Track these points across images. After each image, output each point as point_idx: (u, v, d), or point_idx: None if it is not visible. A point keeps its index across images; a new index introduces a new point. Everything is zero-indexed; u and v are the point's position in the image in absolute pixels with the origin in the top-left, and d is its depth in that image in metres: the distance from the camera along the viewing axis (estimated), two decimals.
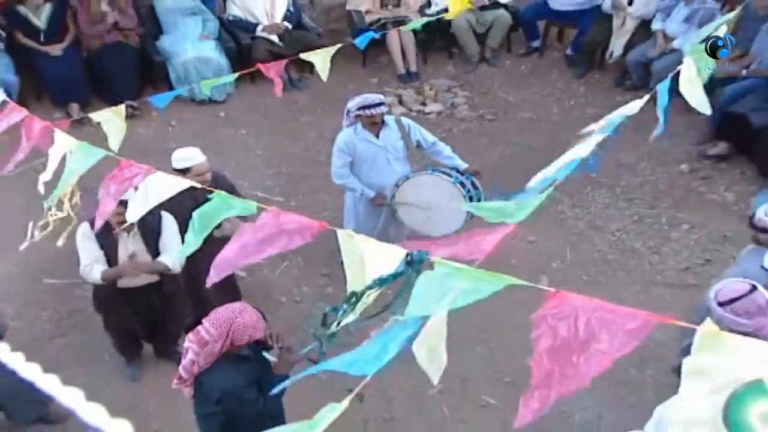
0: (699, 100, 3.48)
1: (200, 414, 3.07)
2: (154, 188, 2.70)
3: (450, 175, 4.48)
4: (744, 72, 6.01)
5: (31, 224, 3.23)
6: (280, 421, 3.00)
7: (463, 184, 4.44)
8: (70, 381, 3.43)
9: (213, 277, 2.40)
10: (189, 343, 2.91)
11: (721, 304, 2.97)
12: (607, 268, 4.92)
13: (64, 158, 3.06)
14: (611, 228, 5.32)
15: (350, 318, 2.08)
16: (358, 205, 4.70)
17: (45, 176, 3.10)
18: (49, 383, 0.97)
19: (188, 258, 3.70)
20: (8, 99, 3.53)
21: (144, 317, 4.05)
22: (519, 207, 2.42)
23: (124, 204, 3.57)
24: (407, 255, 2.02)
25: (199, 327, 2.92)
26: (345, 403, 1.72)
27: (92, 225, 3.80)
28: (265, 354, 3.01)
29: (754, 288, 2.98)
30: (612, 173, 5.84)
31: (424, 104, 6.85)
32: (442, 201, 4.43)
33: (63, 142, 3.06)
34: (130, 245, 3.82)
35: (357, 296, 2.09)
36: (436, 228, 4.35)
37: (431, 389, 4.11)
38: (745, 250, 3.87)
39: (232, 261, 2.39)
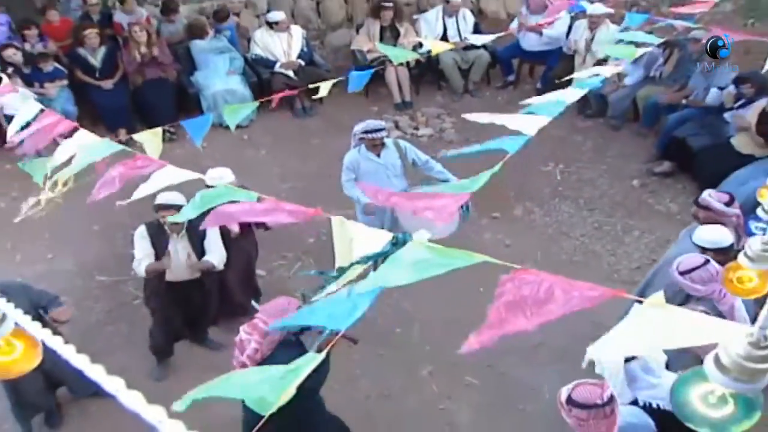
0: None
1: None
2: (164, 178, 2.60)
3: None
4: (684, 102, 6.10)
5: (24, 203, 2.93)
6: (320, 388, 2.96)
7: None
8: (119, 361, 3.47)
9: (209, 222, 2.31)
10: (247, 335, 2.81)
11: (681, 274, 3.09)
12: (572, 267, 4.96)
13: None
14: (575, 234, 5.36)
15: (332, 287, 2.02)
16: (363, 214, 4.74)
17: (53, 162, 2.85)
18: (94, 372, 0.97)
19: None
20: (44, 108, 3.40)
21: (186, 308, 4.08)
22: (474, 181, 2.31)
23: (176, 208, 3.60)
24: (393, 237, 1.97)
25: (255, 321, 2.82)
26: (323, 354, 1.72)
27: (148, 227, 3.87)
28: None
29: (707, 261, 3.10)
30: (576, 187, 5.91)
31: (417, 128, 6.89)
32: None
33: (82, 136, 2.90)
34: (179, 246, 3.86)
35: (343, 270, 2.03)
36: (433, 231, 4.36)
37: (423, 370, 4.16)
38: (681, 233, 3.95)
39: (231, 215, 2.31)
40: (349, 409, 3.68)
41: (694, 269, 3.08)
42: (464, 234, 4.55)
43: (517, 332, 1.59)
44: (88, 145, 2.86)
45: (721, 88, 5.72)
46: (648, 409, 2.73)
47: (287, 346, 2.83)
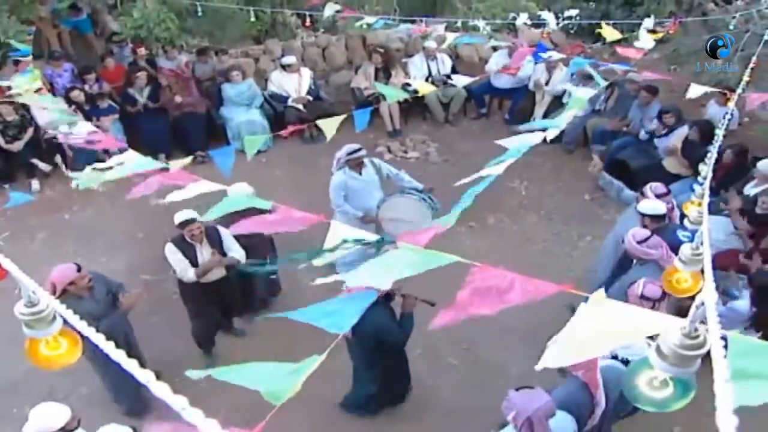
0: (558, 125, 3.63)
1: (358, 342, 3.24)
2: (196, 188, 2.64)
3: (414, 195, 4.55)
4: (624, 129, 6.19)
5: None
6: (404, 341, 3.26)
7: (424, 200, 4.52)
8: (162, 345, 3.42)
9: (237, 227, 2.29)
10: None
11: (639, 242, 3.45)
12: (535, 268, 4.94)
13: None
14: (538, 239, 5.38)
15: (317, 261, 2.02)
16: (354, 224, 4.72)
17: (106, 173, 2.90)
18: (130, 365, 0.94)
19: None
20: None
21: (218, 303, 4.06)
22: (453, 215, 2.34)
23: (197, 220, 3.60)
24: (380, 238, 1.99)
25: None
26: (324, 355, 1.67)
27: (174, 242, 3.84)
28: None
29: (652, 233, 3.49)
30: (538, 201, 5.93)
31: (406, 152, 6.91)
32: (413, 213, 4.47)
33: (129, 155, 2.92)
34: (204, 252, 3.85)
35: (330, 249, 2.00)
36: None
37: (414, 353, 4.16)
38: (623, 214, 4.23)
39: (249, 227, 2.29)
40: None
41: (647, 238, 3.42)
42: (446, 240, 4.55)
43: (479, 314, 1.58)
44: (134, 161, 2.90)
45: (647, 132, 5.88)
46: (625, 362, 2.94)
47: (376, 307, 2.83)
